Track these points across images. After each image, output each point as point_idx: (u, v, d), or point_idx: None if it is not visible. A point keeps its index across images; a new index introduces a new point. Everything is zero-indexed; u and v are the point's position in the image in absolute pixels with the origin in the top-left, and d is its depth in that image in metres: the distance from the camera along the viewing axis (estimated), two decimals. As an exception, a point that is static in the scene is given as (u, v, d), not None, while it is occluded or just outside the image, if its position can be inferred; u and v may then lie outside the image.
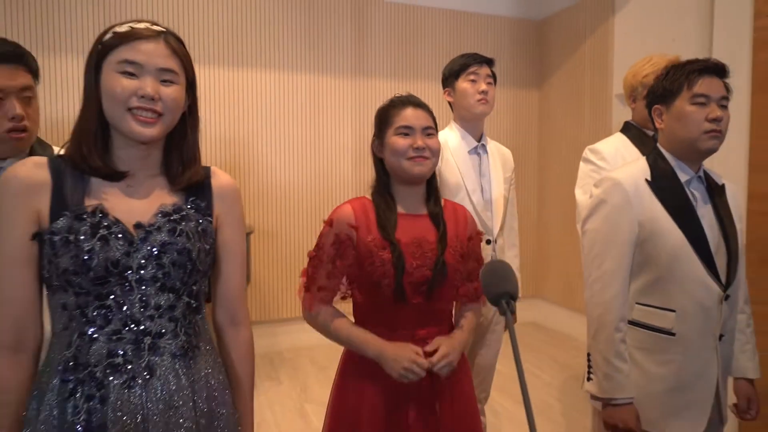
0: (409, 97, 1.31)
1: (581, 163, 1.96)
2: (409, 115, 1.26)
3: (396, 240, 1.22)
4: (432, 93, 3.99)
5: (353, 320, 1.32)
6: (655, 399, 1.39)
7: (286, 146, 3.71)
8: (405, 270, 1.20)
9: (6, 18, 3.08)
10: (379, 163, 1.32)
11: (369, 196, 1.33)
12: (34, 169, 0.95)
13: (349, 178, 3.86)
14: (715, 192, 1.45)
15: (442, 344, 1.21)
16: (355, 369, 1.28)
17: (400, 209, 1.29)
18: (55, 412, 0.91)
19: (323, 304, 1.29)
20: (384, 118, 1.30)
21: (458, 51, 4.07)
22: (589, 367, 1.45)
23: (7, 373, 0.93)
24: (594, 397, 1.43)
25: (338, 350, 1.37)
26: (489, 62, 1.90)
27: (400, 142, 1.24)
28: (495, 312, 1.92)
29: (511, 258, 2.04)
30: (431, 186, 1.32)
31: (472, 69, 1.86)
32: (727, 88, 1.39)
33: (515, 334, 0.87)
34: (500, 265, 0.97)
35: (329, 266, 1.27)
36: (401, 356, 1.18)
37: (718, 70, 1.38)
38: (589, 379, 1.44)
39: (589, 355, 1.45)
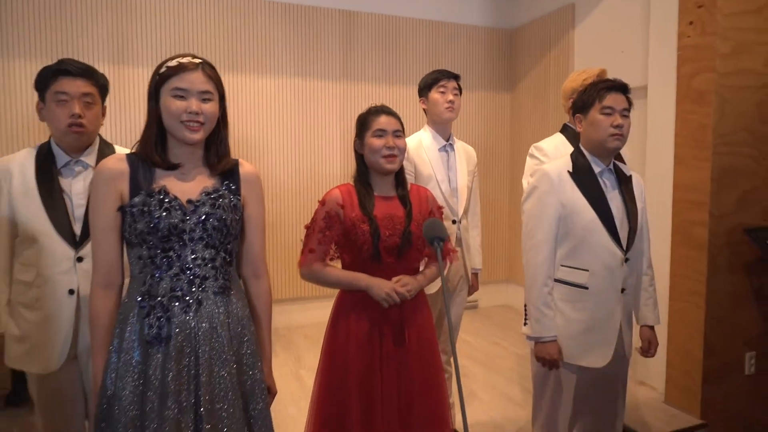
0: (383, 107, 1.71)
1: (528, 158, 2.38)
2: (383, 121, 1.67)
3: (373, 216, 1.63)
4: (411, 95, 4.40)
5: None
6: (574, 338, 1.82)
7: (279, 145, 4.10)
8: (380, 238, 1.61)
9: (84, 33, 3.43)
10: (360, 157, 1.72)
11: (352, 182, 1.74)
12: (117, 162, 1.34)
13: (337, 173, 4.26)
14: (623, 181, 1.88)
15: (404, 277, 1.64)
16: (343, 307, 1.69)
17: (376, 193, 1.70)
18: (135, 328, 1.30)
19: (315, 261, 1.69)
20: (363, 122, 1.71)
21: (436, 57, 4.53)
22: (525, 315, 1.87)
23: (101, 302, 1.33)
24: (528, 337, 1.86)
25: (319, 326, 1.78)
26: (456, 77, 2.32)
27: (376, 142, 1.65)
28: (460, 279, 2.34)
29: (474, 236, 2.46)
30: (400, 175, 1.73)
31: (441, 83, 2.27)
32: (629, 102, 1.82)
33: (443, 268, 1.28)
34: (435, 221, 1.42)
35: (320, 235, 1.67)
36: (385, 285, 1.60)
37: (622, 88, 1.81)
38: (525, 324, 1.87)
39: (525, 306, 1.87)
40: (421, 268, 1.79)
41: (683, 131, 2.80)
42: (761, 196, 2.80)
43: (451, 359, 2.47)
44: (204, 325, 1.33)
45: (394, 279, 1.64)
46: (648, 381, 3.15)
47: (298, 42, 4.15)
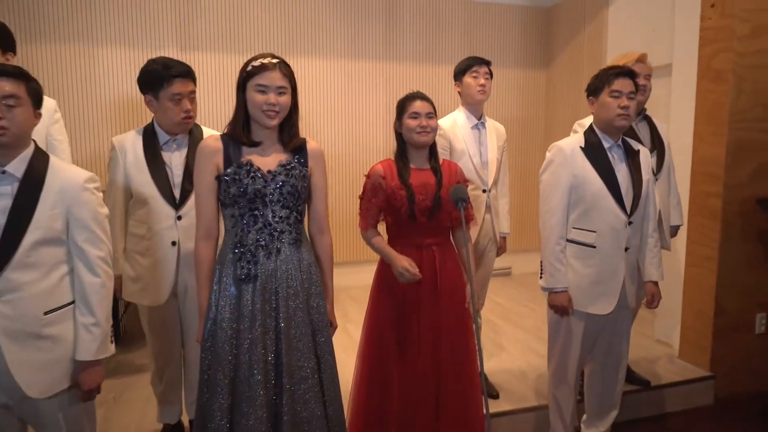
0: (418, 93, 2.04)
1: (571, 133, 2.65)
2: (418, 105, 2.00)
3: (409, 183, 1.98)
4: (450, 74, 4.65)
5: (387, 235, 2.09)
6: (582, 289, 2.14)
7: (329, 120, 4.46)
8: (415, 201, 1.96)
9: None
10: (399, 135, 2.07)
11: (392, 158, 2.09)
12: (214, 142, 1.73)
13: (381, 146, 4.61)
14: (630, 155, 2.16)
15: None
16: (386, 265, 2.06)
17: (412, 165, 2.04)
18: (231, 270, 1.71)
19: (369, 226, 2.06)
20: (402, 106, 2.05)
21: (474, 36, 4.77)
22: (542, 270, 2.20)
23: (204, 251, 1.74)
24: (543, 288, 2.19)
25: (364, 289, 2.14)
26: (487, 63, 2.61)
27: (411, 122, 1.99)
28: (489, 241, 2.67)
29: (503, 204, 2.78)
30: (432, 149, 2.07)
31: (474, 68, 2.57)
32: (636, 86, 2.09)
33: (465, 224, 1.63)
34: (460, 186, 1.79)
35: (368, 203, 2.04)
36: (400, 263, 1.95)
37: (629, 74, 2.08)
38: (541, 277, 2.20)
39: (541, 262, 2.20)
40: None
41: (702, 108, 3.01)
42: (776, 169, 2.99)
43: (481, 311, 2.83)
44: (282, 268, 1.73)
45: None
46: (666, 340, 3.42)
47: (346, 25, 4.47)
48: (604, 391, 2.34)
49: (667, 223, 2.69)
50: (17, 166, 1.46)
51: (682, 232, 3.15)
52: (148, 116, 4.02)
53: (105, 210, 1.60)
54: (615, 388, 2.33)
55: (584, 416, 2.46)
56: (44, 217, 1.46)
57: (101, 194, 1.60)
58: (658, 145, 2.58)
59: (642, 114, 2.61)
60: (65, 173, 1.52)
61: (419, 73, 4.70)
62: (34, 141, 1.53)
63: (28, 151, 1.50)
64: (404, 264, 1.95)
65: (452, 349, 2.06)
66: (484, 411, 1.82)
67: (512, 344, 3.45)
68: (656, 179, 2.55)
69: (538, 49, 5.05)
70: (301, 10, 4.35)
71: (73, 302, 1.54)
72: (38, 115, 1.53)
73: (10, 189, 1.45)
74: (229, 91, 4.13)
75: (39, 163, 1.50)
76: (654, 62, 3.67)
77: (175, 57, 3.96)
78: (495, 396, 2.70)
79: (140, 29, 4.00)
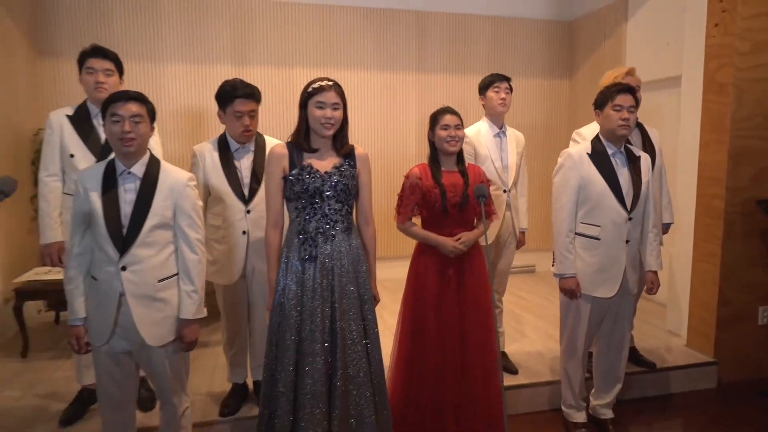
0: (448, 108, 2.43)
1: (571, 142, 3.00)
2: (448, 118, 2.39)
3: (442, 183, 2.37)
4: (477, 85, 5.03)
5: (422, 226, 2.48)
6: (589, 276, 2.48)
7: (366, 129, 4.88)
8: (447, 198, 2.35)
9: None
10: (431, 144, 2.46)
11: (426, 162, 2.48)
12: (281, 149, 2.15)
13: (413, 152, 5.00)
14: (632, 160, 2.50)
15: (464, 234, 2.37)
16: (424, 253, 2.45)
17: (443, 168, 2.43)
18: (295, 252, 2.12)
19: (405, 219, 2.45)
20: (434, 119, 2.44)
21: (500, 49, 5.14)
22: (554, 258, 2.55)
23: (273, 237, 2.16)
24: (555, 274, 2.54)
25: (400, 281, 2.53)
26: (508, 79, 2.97)
27: (442, 133, 2.38)
28: (509, 235, 3.03)
29: (522, 203, 3.14)
30: (460, 155, 2.45)
31: (496, 84, 2.94)
32: (636, 100, 2.43)
33: (485, 220, 2.00)
34: (482, 185, 2.17)
35: (406, 200, 2.43)
36: (448, 242, 2.34)
37: (630, 90, 2.42)
38: (553, 265, 2.56)
39: (553, 251, 2.55)
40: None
41: (706, 118, 3.31)
42: (776, 173, 3.27)
43: (502, 298, 3.19)
44: (336, 250, 2.13)
45: (456, 237, 2.38)
46: (675, 330, 3.71)
47: (379, 41, 4.89)
48: (610, 367, 2.67)
49: (659, 221, 3.00)
50: (139, 168, 1.91)
51: (689, 231, 3.45)
52: (206, 126, 4.53)
53: (200, 202, 2.04)
54: (619, 365, 2.66)
55: (593, 390, 2.79)
56: (159, 207, 1.90)
57: (197, 191, 2.04)
58: (649, 150, 2.89)
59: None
60: (173, 174, 1.97)
61: (448, 83, 5.08)
62: (149, 149, 1.98)
63: (146, 157, 1.94)
64: (452, 242, 2.35)
65: (475, 321, 2.42)
66: (500, 382, 2.20)
67: (532, 331, 3.80)
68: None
69: (561, 60, 5.38)
70: (339, 28, 4.79)
71: (177, 274, 1.98)
72: (153, 129, 1.97)
73: (134, 186, 1.90)
74: (275, 100, 4.60)
75: (153, 166, 1.95)
76: (666, 74, 4.01)
77: (229, 72, 4.48)
78: (514, 372, 3.05)
79: (199, 47, 4.49)
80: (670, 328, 3.76)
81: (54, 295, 3.40)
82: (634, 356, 3.21)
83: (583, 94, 5.18)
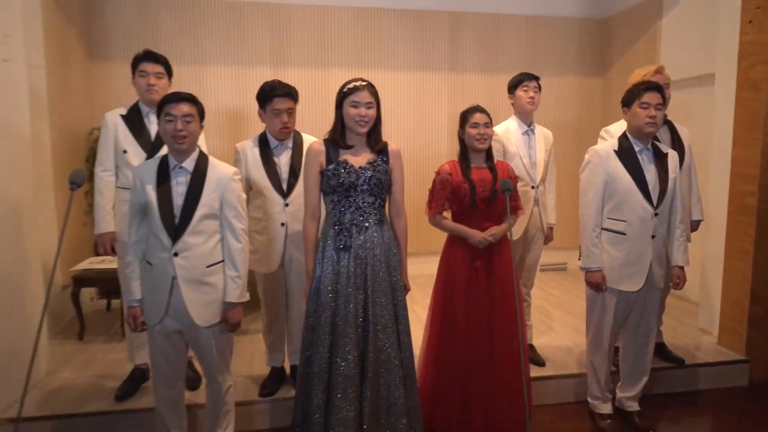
0: (477, 107, 2.52)
1: (599, 140, 3.05)
2: (477, 117, 2.49)
3: (471, 179, 2.47)
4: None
5: (452, 220, 2.58)
6: (615, 269, 2.54)
7: (400, 126, 5.00)
8: (476, 192, 2.45)
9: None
10: (461, 141, 2.56)
11: (456, 159, 2.58)
12: (318, 146, 2.29)
13: (445, 148, 5.10)
14: (659, 157, 2.55)
15: (494, 228, 2.46)
16: (454, 245, 2.56)
17: (472, 165, 2.52)
18: (331, 242, 2.26)
19: (437, 213, 2.56)
20: (464, 117, 2.54)
21: (534, 48, 5.19)
22: (580, 252, 2.62)
23: (311, 228, 2.30)
24: (581, 268, 2.61)
25: (432, 276, 2.64)
26: (536, 78, 3.04)
27: (472, 131, 2.48)
28: (537, 230, 3.10)
29: (550, 199, 3.21)
30: (488, 152, 2.54)
31: (525, 83, 3.02)
32: (663, 98, 2.47)
33: (509, 213, 2.10)
34: (508, 180, 2.26)
35: (437, 195, 2.54)
36: (478, 234, 2.44)
37: (658, 88, 2.47)
38: (579, 258, 2.62)
39: (580, 246, 2.62)
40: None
41: (740, 115, 3.30)
42: (812, 170, 3.24)
43: (531, 291, 3.27)
44: (369, 241, 2.26)
45: (486, 231, 2.48)
46: (707, 329, 3.70)
47: (413, 41, 5.00)
48: (636, 360, 2.72)
49: (687, 217, 3.02)
50: (189, 163, 2.09)
51: (721, 229, 3.44)
52: (245, 124, 4.72)
53: (244, 195, 2.21)
54: (645, 358, 2.71)
55: (619, 383, 2.84)
56: (207, 199, 2.07)
57: (241, 184, 2.20)
58: (678, 147, 2.91)
59: (664, 119, 2.96)
60: (219, 168, 2.13)
61: (480, 82, 5.15)
62: (198, 146, 2.15)
63: (196, 153, 2.12)
64: (481, 234, 2.46)
65: (503, 312, 2.51)
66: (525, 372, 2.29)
67: (561, 326, 3.85)
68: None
69: (594, 57, 5.37)
70: (374, 30, 4.92)
71: (223, 260, 2.14)
72: (202, 127, 2.14)
73: (185, 179, 2.07)
74: (312, 100, 4.76)
75: (202, 161, 2.12)
76: (700, 71, 4.00)
77: (267, 73, 4.66)
78: (542, 364, 3.13)
79: (239, 50, 4.70)
80: (701, 326, 3.76)
81: (106, 283, 3.65)
82: (663, 352, 3.23)
83: (617, 91, 5.15)
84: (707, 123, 3.74)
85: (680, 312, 4.12)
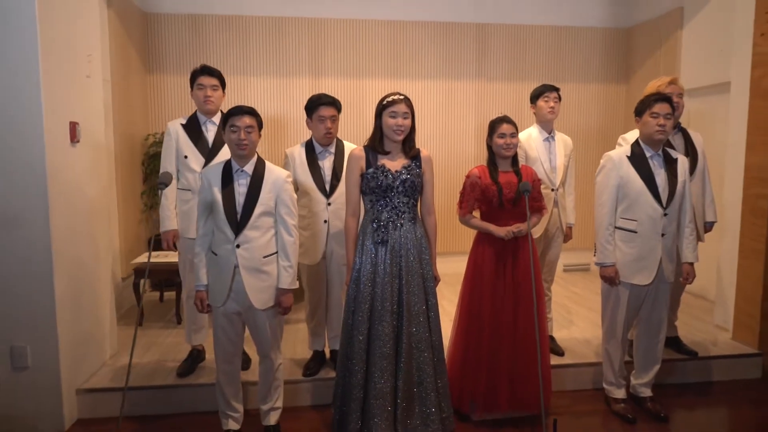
0: (505, 117, 2.79)
1: (616, 146, 3.28)
2: (504, 127, 2.76)
3: (499, 182, 2.74)
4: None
5: (481, 219, 2.85)
6: (627, 265, 2.78)
7: (429, 133, 5.29)
8: (503, 194, 2.72)
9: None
10: (489, 148, 2.84)
11: (485, 164, 2.86)
12: (359, 152, 2.60)
13: (472, 153, 5.37)
14: (669, 162, 2.78)
15: (517, 224, 2.73)
16: (482, 243, 2.83)
17: (500, 169, 2.80)
18: (370, 237, 2.57)
19: (467, 213, 2.84)
20: (492, 127, 2.81)
21: (559, 57, 5.44)
22: (595, 249, 2.87)
23: (352, 224, 2.61)
24: (596, 263, 2.85)
25: (459, 275, 2.91)
26: (557, 89, 3.30)
27: (499, 140, 2.75)
28: (556, 230, 3.35)
29: (569, 201, 3.45)
30: (515, 158, 2.81)
31: (545, 94, 3.28)
32: (672, 108, 2.71)
33: (528, 212, 2.37)
34: (526, 182, 2.52)
35: (467, 196, 2.82)
36: (502, 230, 2.71)
37: (667, 99, 2.71)
38: (594, 255, 2.87)
39: (595, 243, 2.87)
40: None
41: (753, 121, 3.49)
42: (823, 174, 3.41)
43: (551, 286, 3.51)
44: (403, 236, 2.56)
45: (513, 226, 2.74)
46: (723, 325, 3.87)
47: (442, 51, 5.29)
48: (648, 350, 2.95)
49: (701, 219, 3.23)
50: (249, 167, 2.42)
51: (736, 229, 3.63)
52: (287, 130, 5.08)
53: (295, 195, 2.53)
54: (657, 347, 2.93)
55: (633, 371, 3.07)
56: (264, 198, 2.40)
57: (292, 186, 2.53)
58: (691, 153, 3.13)
59: (677, 127, 3.18)
60: (275, 172, 2.46)
61: (506, 91, 5.41)
62: (257, 152, 2.49)
63: (255, 158, 2.45)
64: (506, 229, 2.72)
65: (528, 304, 2.76)
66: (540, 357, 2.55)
67: (581, 321, 4.08)
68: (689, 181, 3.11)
69: (617, 66, 5.57)
70: (406, 42, 5.23)
71: (276, 252, 2.47)
72: (260, 136, 2.48)
73: (245, 181, 2.41)
74: (347, 108, 5.08)
75: (260, 165, 2.45)
76: (718, 80, 4.20)
77: (307, 83, 5.02)
78: (561, 354, 3.37)
79: (281, 62, 5.07)
80: (717, 322, 3.93)
81: (162, 275, 4.03)
82: (677, 345, 3.44)
83: (638, 99, 5.28)
84: (724, 129, 3.93)
85: (698, 310, 4.30)
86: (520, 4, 5.38)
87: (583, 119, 5.53)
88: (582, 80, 5.53)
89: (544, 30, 5.42)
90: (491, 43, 5.37)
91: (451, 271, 4.41)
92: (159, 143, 4.69)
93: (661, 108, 2.69)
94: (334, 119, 3.00)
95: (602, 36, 5.52)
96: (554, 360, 3.27)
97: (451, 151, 5.38)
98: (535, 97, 3.34)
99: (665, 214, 2.73)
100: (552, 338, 3.47)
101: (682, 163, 2.82)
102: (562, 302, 4.54)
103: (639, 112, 2.78)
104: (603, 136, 5.57)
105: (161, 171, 3.03)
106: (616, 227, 2.82)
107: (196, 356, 3.22)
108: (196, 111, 3.16)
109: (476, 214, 2.87)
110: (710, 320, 4.03)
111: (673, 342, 3.45)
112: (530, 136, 3.34)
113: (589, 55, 5.53)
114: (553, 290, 3.60)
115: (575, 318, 4.16)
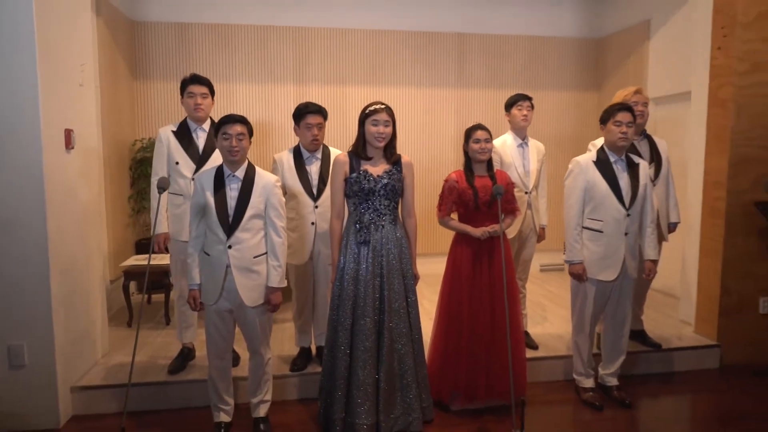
0: (479, 125, 2.98)
1: (587, 151, 3.50)
2: (479, 133, 2.94)
3: (475, 185, 2.93)
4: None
5: (458, 221, 3.03)
6: (594, 262, 2.99)
7: (410, 138, 5.47)
8: (478, 197, 2.90)
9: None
10: (466, 154, 3.02)
11: (461, 168, 3.04)
12: (344, 157, 2.77)
13: (451, 158, 5.57)
14: (631, 166, 3.00)
15: (492, 225, 2.91)
16: (460, 243, 3.01)
17: (475, 173, 2.98)
18: (353, 238, 2.73)
19: (445, 214, 3.01)
20: (468, 134, 2.99)
21: (535, 66, 5.67)
22: (565, 247, 3.07)
23: (336, 225, 2.78)
24: (566, 261, 3.06)
25: (439, 276, 3.10)
26: (529, 98, 3.51)
27: (474, 146, 2.94)
28: (530, 230, 3.56)
29: (542, 203, 3.66)
30: (490, 163, 3.00)
31: (519, 102, 3.48)
32: (634, 117, 2.93)
33: (501, 213, 2.56)
34: (499, 186, 2.71)
35: (446, 199, 3.00)
36: (479, 230, 2.89)
37: (628, 108, 2.92)
38: (564, 253, 3.07)
39: (564, 242, 3.07)
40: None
41: (711, 129, 3.74)
42: (775, 178, 3.67)
43: (526, 284, 3.71)
44: (384, 237, 2.73)
45: (489, 226, 2.92)
46: (687, 320, 4.11)
47: (423, 60, 5.49)
48: (614, 342, 3.16)
49: (665, 220, 3.46)
50: (240, 172, 2.57)
51: (697, 230, 3.88)
52: (272, 136, 5.21)
53: (284, 199, 2.69)
54: (622, 340, 3.15)
55: (601, 362, 3.28)
56: (255, 202, 2.55)
57: (281, 190, 2.68)
58: (656, 158, 3.36)
59: (643, 134, 3.41)
60: (264, 176, 2.62)
61: (485, 98, 5.63)
62: (247, 158, 2.64)
63: (245, 164, 2.60)
64: (482, 229, 2.90)
65: (502, 297, 2.95)
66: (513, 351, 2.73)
67: (555, 317, 4.29)
68: (654, 185, 3.35)
69: (590, 74, 5.83)
70: (387, 50, 5.42)
71: (266, 252, 2.62)
72: (250, 143, 2.63)
73: (237, 186, 2.55)
74: (331, 114, 5.23)
75: (251, 170, 2.60)
76: (681, 89, 4.45)
77: (291, 90, 5.17)
78: (535, 347, 3.57)
79: (266, 69, 5.22)
80: (682, 318, 4.17)
81: (150, 277, 4.13)
82: (643, 338, 3.67)
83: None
84: (683, 135, 4.18)
85: (665, 306, 4.54)
86: (498, 15, 5.61)
87: (558, 125, 5.77)
88: (557, 88, 5.77)
89: (521, 40, 5.65)
90: (470, 52, 5.58)
91: (431, 272, 4.58)
92: (146, 148, 4.80)
93: (623, 117, 2.91)
94: (321, 126, 3.15)
95: (576, 46, 5.78)
96: (529, 353, 3.46)
97: (431, 156, 5.57)
98: (509, 106, 3.54)
99: (628, 215, 2.95)
100: (527, 333, 3.67)
101: (644, 167, 3.04)
102: (537, 300, 4.76)
103: (603, 120, 2.99)
104: (577, 142, 5.80)
105: (157, 176, 3.16)
106: (583, 227, 3.03)
107: (186, 354, 3.34)
108: (186, 118, 3.27)
109: (454, 216, 3.06)
110: (676, 316, 4.27)
111: (639, 335, 3.67)
112: (505, 143, 3.54)
113: (564, 64, 5.77)
114: (530, 289, 3.82)
115: (550, 315, 4.37)
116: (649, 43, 5.04)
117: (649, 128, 4.97)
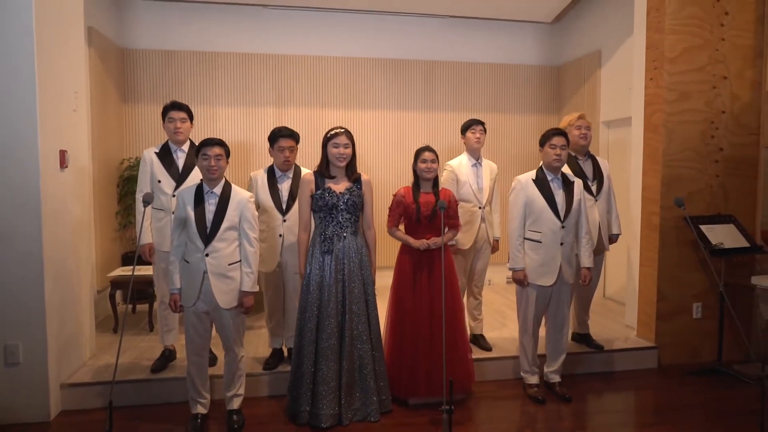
0: (427, 147, 3.35)
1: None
2: (426, 155, 3.31)
3: (418, 201, 3.29)
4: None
5: (405, 232, 3.38)
6: (534, 269, 3.36)
7: (380, 158, 5.86)
8: (420, 212, 3.26)
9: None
10: (414, 172, 3.38)
11: (410, 185, 3.40)
12: (310, 176, 3.13)
13: (420, 177, 5.95)
14: (567, 184, 3.39)
15: (433, 238, 3.27)
16: (404, 253, 3.35)
17: (421, 190, 3.34)
18: (318, 248, 3.07)
19: (393, 226, 3.37)
20: (417, 155, 3.35)
21: (498, 92, 6.09)
22: (508, 257, 3.44)
23: (303, 237, 3.13)
24: (509, 268, 3.42)
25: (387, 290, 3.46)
26: (482, 123, 3.91)
27: (421, 165, 3.30)
28: (484, 242, 3.92)
29: (495, 217, 4.03)
30: (435, 181, 3.37)
31: (472, 127, 3.88)
32: (567, 141, 3.33)
33: (443, 227, 2.93)
34: (442, 201, 3.05)
35: (394, 212, 3.36)
36: (419, 241, 3.24)
37: (562, 133, 3.32)
38: (508, 261, 3.44)
39: (508, 252, 3.44)
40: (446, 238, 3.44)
41: (646, 151, 4.16)
42: (703, 195, 4.08)
43: (482, 291, 4.07)
44: (346, 247, 3.07)
45: (429, 239, 3.27)
46: (631, 324, 4.48)
47: (393, 85, 5.89)
48: (556, 341, 3.52)
49: (606, 231, 3.85)
50: (218, 189, 2.91)
51: (637, 241, 4.27)
52: (252, 156, 5.55)
53: (256, 213, 3.03)
54: (562, 339, 3.50)
55: (546, 361, 3.63)
56: (230, 215, 2.89)
57: (254, 204, 3.03)
58: (598, 176, 3.76)
59: (587, 154, 3.82)
60: (239, 193, 2.96)
61: (452, 120, 6.03)
62: (224, 176, 2.98)
63: (222, 182, 2.94)
64: (421, 241, 3.24)
65: (444, 302, 3.30)
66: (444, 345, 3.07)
67: (513, 323, 4.60)
68: (596, 200, 3.75)
69: (550, 98, 6.28)
70: (360, 76, 5.82)
71: (240, 260, 2.95)
72: (228, 163, 2.97)
73: (215, 201, 2.89)
74: (309, 135, 5.61)
75: (227, 187, 2.94)
76: (626, 114, 4.87)
77: (271, 113, 5.55)
78: (488, 349, 3.91)
79: (247, 93, 5.59)
80: (628, 323, 4.55)
81: (135, 286, 4.43)
82: (587, 340, 4.03)
83: (568, 128, 6.03)
84: (626, 156, 4.60)
85: (615, 313, 4.92)
86: (464, 44, 6.05)
87: (520, 146, 6.19)
88: (519, 111, 6.20)
89: (485, 67, 6.09)
90: (437, 78, 6.00)
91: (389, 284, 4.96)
92: (133, 167, 5.12)
93: (557, 141, 3.30)
94: (293, 149, 3.51)
95: (536, 73, 6.23)
96: (482, 354, 3.81)
97: (400, 175, 5.94)
98: (464, 129, 3.94)
99: (563, 227, 3.33)
100: (482, 336, 4.01)
101: (578, 185, 3.43)
102: (499, 309, 5.11)
103: (541, 143, 3.39)
104: (539, 161, 6.22)
105: (142, 192, 3.46)
106: (524, 238, 3.40)
107: (168, 355, 3.64)
108: (167, 140, 3.60)
109: (402, 227, 3.41)
110: (622, 321, 4.64)
111: (584, 338, 4.04)
112: (461, 163, 3.93)
113: (525, 89, 6.21)
114: (493, 298, 4.18)
115: (507, 321, 4.71)
116: (601, 71, 5.49)
117: (602, 149, 5.42)
